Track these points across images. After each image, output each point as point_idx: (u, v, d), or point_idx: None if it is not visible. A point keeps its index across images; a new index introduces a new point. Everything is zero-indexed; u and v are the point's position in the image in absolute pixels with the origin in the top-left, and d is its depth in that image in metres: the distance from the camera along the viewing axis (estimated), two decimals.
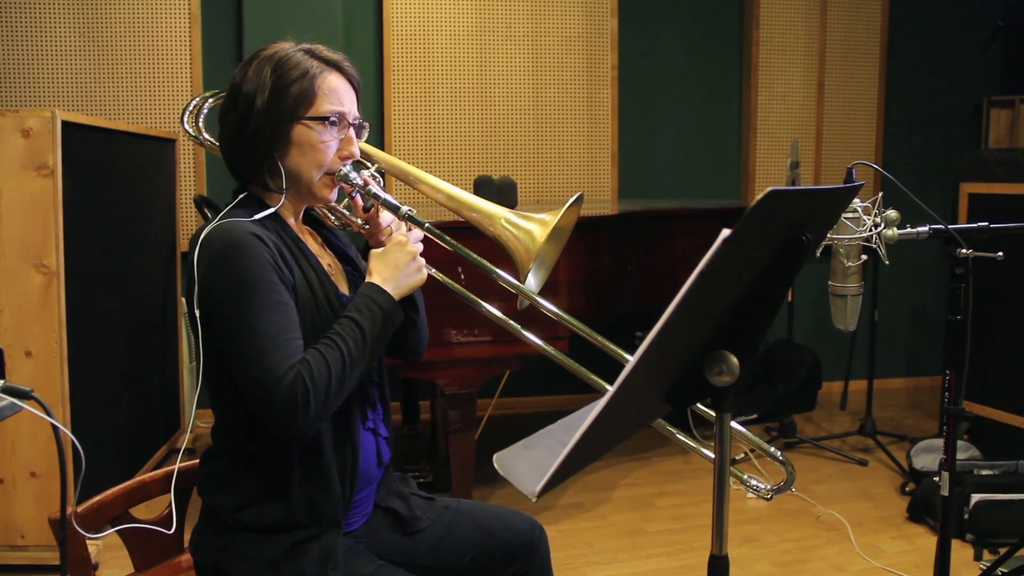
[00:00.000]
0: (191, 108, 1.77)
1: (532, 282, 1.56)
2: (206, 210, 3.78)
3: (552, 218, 1.53)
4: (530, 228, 1.53)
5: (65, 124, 2.56)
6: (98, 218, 2.90)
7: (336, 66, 1.46)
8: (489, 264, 1.53)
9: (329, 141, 1.44)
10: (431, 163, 4.32)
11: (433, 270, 1.53)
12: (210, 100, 1.79)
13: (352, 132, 1.47)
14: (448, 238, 1.53)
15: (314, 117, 1.42)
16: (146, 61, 3.99)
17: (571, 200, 1.54)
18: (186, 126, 1.76)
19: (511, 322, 1.57)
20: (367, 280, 1.45)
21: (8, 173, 2.51)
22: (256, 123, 1.41)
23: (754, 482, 1.39)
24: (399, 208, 1.50)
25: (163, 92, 4.01)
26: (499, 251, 1.58)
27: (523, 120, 4.42)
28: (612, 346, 1.52)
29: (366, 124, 1.51)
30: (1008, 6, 4.61)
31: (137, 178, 3.32)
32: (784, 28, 4.71)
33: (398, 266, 1.45)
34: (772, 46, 4.70)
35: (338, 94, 1.44)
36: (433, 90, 4.30)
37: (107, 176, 3.00)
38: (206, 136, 1.76)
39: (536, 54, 4.41)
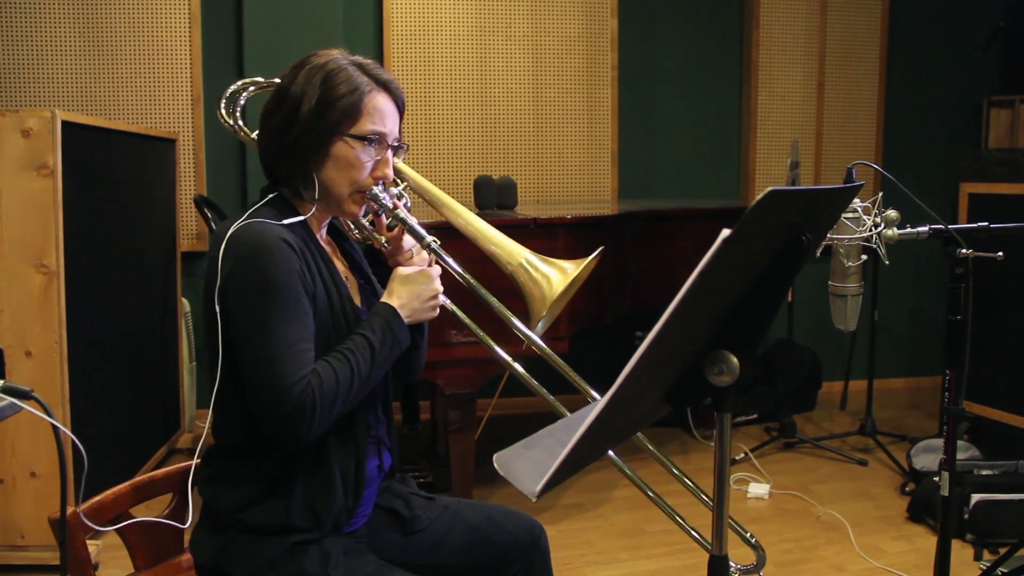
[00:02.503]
0: (228, 95, 1.75)
1: (539, 327, 1.55)
2: (206, 210, 3.79)
3: (575, 269, 1.51)
4: (549, 273, 1.52)
5: (65, 124, 2.56)
6: (98, 218, 2.90)
7: (385, 86, 1.46)
8: (502, 305, 1.53)
9: (366, 161, 1.44)
10: (431, 163, 4.32)
11: (449, 303, 1.54)
12: (251, 89, 1.77)
13: (389, 153, 1.47)
14: (468, 277, 1.53)
15: (356, 135, 1.42)
16: (146, 61, 3.99)
17: (594, 254, 1.54)
18: (223, 115, 1.74)
19: (511, 360, 1.55)
20: (385, 300, 1.46)
21: (8, 173, 2.51)
22: (298, 131, 1.41)
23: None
24: (424, 237, 1.50)
25: (163, 92, 4.01)
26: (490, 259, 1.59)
27: (523, 120, 4.42)
28: (591, 391, 1.52)
29: (404, 145, 1.52)
30: (1008, 6, 4.61)
31: (137, 178, 3.32)
32: (784, 28, 4.71)
33: (419, 297, 1.47)
34: (772, 46, 4.70)
35: (382, 114, 1.44)
36: (433, 90, 4.30)
37: (107, 176, 3.00)
38: (243, 128, 1.75)
39: (536, 54, 4.41)
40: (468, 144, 4.37)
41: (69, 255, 2.59)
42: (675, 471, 1.49)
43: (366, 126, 1.42)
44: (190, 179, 4.04)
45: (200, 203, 3.83)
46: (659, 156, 4.69)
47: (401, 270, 1.49)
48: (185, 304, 3.89)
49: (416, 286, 1.47)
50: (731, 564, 1.38)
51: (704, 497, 1.50)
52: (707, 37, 4.71)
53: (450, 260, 1.52)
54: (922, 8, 4.89)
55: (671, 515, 1.45)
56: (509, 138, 4.41)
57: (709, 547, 1.32)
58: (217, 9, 4.06)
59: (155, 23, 3.98)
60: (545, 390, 1.54)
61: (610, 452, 1.46)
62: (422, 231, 1.50)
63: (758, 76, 4.69)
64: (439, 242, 1.51)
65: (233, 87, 1.76)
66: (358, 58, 1.46)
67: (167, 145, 3.67)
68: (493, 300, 1.52)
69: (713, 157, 4.78)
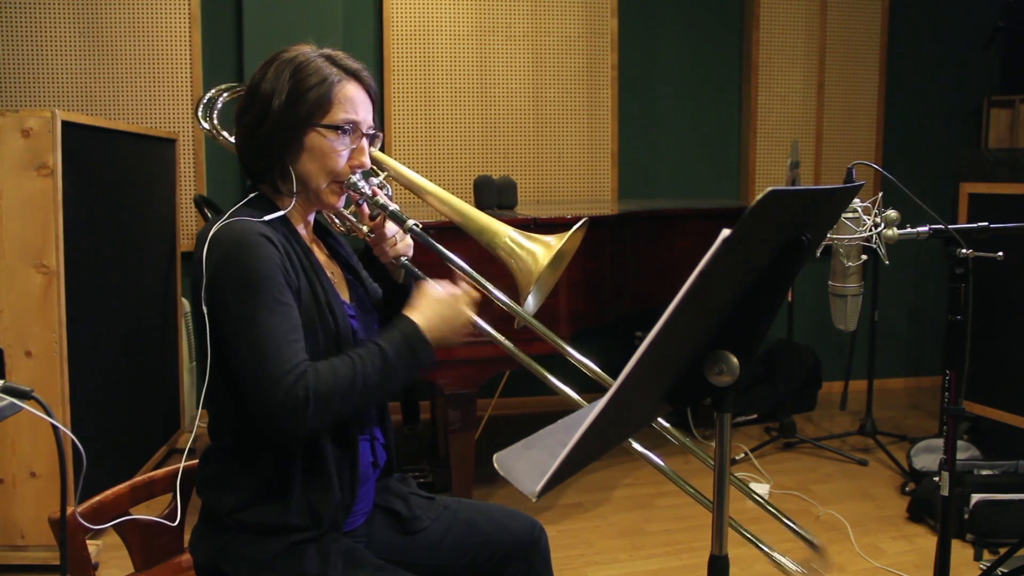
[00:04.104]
0: (205, 101, 1.76)
1: (530, 302, 1.55)
2: (206, 210, 3.78)
3: (557, 242, 1.52)
4: (534, 249, 1.52)
5: (65, 124, 2.56)
6: (98, 218, 2.90)
7: (355, 75, 1.46)
8: (487, 283, 1.52)
9: (341, 150, 1.44)
10: (431, 163, 4.32)
11: (488, 328, 1.50)
12: (225, 94, 1.79)
13: (364, 142, 1.47)
14: (455, 258, 1.52)
15: (328, 125, 1.42)
16: (146, 61, 3.99)
17: (576, 225, 1.54)
18: (201, 122, 1.75)
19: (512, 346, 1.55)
20: (407, 313, 1.43)
21: (8, 173, 2.51)
22: (271, 126, 1.41)
23: (783, 560, 1.38)
24: (404, 221, 1.51)
25: (163, 92, 4.01)
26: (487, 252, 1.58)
27: (523, 120, 4.42)
28: (594, 367, 1.51)
29: (379, 134, 1.52)
30: (1008, 6, 4.61)
31: (137, 178, 3.32)
32: (784, 28, 4.71)
33: (445, 319, 1.44)
34: (772, 46, 4.70)
35: (354, 103, 1.44)
36: (433, 90, 4.30)
37: (107, 176, 3.00)
38: (221, 132, 1.76)
39: (536, 54, 4.41)
40: (468, 144, 4.37)
41: (69, 255, 2.59)
42: (686, 443, 1.48)
43: (338, 115, 1.42)
44: (190, 179, 4.04)
45: (200, 203, 3.83)
46: (659, 156, 4.69)
47: (431, 288, 1.46)
48: (185, 304, 3.89)
49: (445, 308, 1.44)
50: (796, 567, 1.39)
51: (706, 456, 1.50)
52: (707, 37, 4.71)
53: (433, 242, 1.52)
54: (922, 8, 4.89)
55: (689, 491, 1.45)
56: (509, 138, 4.41)
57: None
58: (217, 9, 4.06)
59: (155, 23, 3.98)
60: (574, 394, 1.51)
61: (636, 445, 1.45)
62: (402, 215, 1.50)
63: (758, 76, 4.69)
64: (420, 225, 1.51)
65: (209, 93, 1.77)
66: (327, 50, 1.47)
67: (167, 145, 3.67)
68: (476, 275, 1.51)
69: (713, 157, 4.78)
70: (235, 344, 1.33)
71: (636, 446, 1.46)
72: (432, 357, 1.42)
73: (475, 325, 1.49)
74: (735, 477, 1.44)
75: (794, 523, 1.46)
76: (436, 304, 1.44)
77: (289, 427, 1.30)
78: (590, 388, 1.48)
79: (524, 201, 4.30)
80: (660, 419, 1.44)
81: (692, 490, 1.49)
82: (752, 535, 1.42)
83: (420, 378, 3.40)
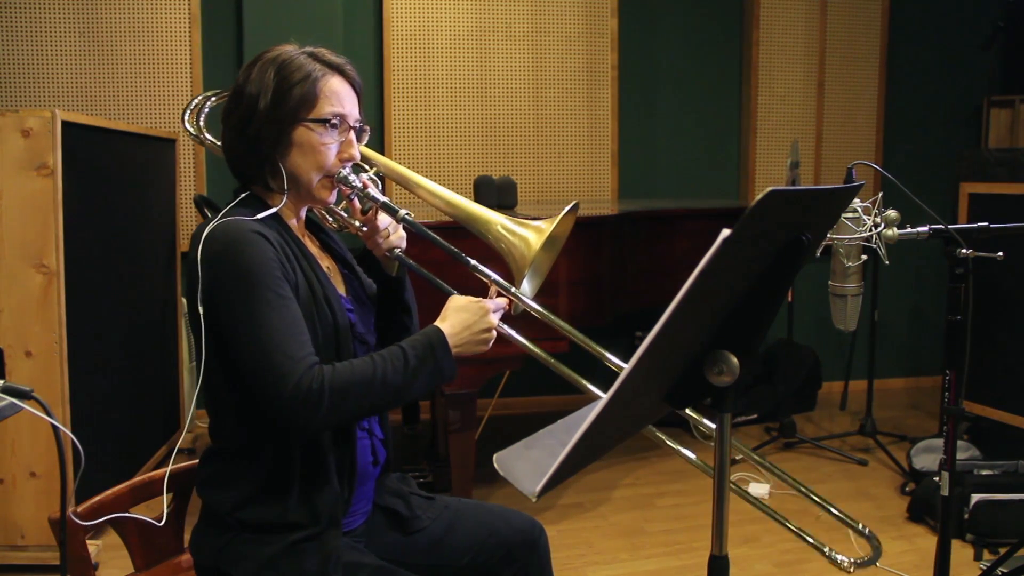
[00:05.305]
0: (192, 107, 1.77)
1: (526, 288, 1.56)
2: (206, 210, 3.78)
3: (548, 226, 1.53)
4: (525, 235, 1.54)
5: (65, 124, 2.56)
6: (98, 218, 2.90)
7: (338, 69, 1.47)
8: (486, 269, 1.52)
9: (329, 143, 1.44)
10: (431, 163, 4.32)
11: (514, 333, 1.49)
12: (212, 99, 1.79)
13: (352, 135, 1.48)
14: (449, 246, 1.53)
15: (315, 119, 1.43)
16: (146, 61, 3.99)
17: (567, 208, 1.54)
18: (187, 125, 1.76)
19: (522, 339, 1.55)
20: (437, 323, 1.44)
21: (8, 173, 2.51)
22: (258, 124, 1.42)
23: (836, 555, 1.40)
24: (397, 212, 1.51)
25: (163, 92, 4.01)
26: (490, 251, 1.58)
27: (523, 120, 4.42)
28: (606, 353, 1.51)
29: (367, 127, 1.52)
30: (1008, 6, 4.61)
31: (137, 178, 3.32)
32: (784, 28, 4.71)
33: (470, 328, 1.44)
34: (772, 46, 4.70)
35: (339, 97, 1.45)
36: (433, 90, 4.30)
37: (107, 176, 3.00)
38: (207, 135, 1.76)
39: (536, 54, 4.41)
40: (468, 144, 4.37)
41: (69, 255, 2.59)
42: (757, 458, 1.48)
43: (325, 109, 1.43)
44: (190, 179, 4.04)
45: (200, 203, 3.83)
46: (659, 156, 4.69)
47: (457, 298, 1.47)
48: (185, 304, 3.89)
49: (470, 316, 1.44)
50: (844, 558, 1.40)
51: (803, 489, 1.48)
52: (707, 37, 4.71)
53: (426, 230, 1.52)
54: (922, 8, 4.89)
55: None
56: (509, 138, 4.41)
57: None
58: (217, 9, 4.06)
59: (155, 23, 3.98)
60: (584, 381, 1.51)
61: (669, 440, 1.44)
62: (394, 205, 1.50)
63: (758, 76, 4.69)
64: (412, 215, 1.52)
65: (196, 100, 1.78)
66: (309, 47, 1.47)
67: (167, 145, 3.67)
68: (473, 263, 1.51)
69: (713, 157, 4.78)
70: (238, 342, 1.33)
71: (668, 440, 1.45)
72: (454, 367, 1.42)
73: (502, 332, 1.48)
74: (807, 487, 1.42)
75: (847, 516, 1.45)
76: (461, 312, 1.45)
77: (302, 421, 1.30)
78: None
79: (524, 201, 4.30)
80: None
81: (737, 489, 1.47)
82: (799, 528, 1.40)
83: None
